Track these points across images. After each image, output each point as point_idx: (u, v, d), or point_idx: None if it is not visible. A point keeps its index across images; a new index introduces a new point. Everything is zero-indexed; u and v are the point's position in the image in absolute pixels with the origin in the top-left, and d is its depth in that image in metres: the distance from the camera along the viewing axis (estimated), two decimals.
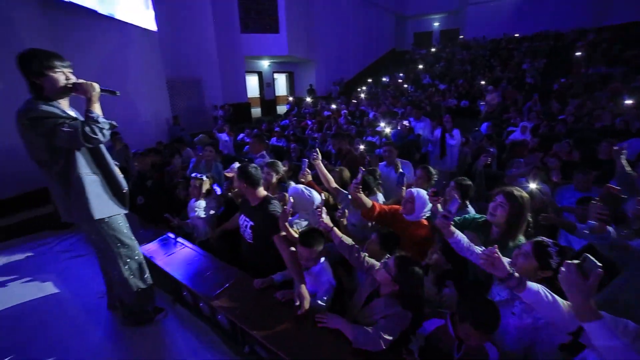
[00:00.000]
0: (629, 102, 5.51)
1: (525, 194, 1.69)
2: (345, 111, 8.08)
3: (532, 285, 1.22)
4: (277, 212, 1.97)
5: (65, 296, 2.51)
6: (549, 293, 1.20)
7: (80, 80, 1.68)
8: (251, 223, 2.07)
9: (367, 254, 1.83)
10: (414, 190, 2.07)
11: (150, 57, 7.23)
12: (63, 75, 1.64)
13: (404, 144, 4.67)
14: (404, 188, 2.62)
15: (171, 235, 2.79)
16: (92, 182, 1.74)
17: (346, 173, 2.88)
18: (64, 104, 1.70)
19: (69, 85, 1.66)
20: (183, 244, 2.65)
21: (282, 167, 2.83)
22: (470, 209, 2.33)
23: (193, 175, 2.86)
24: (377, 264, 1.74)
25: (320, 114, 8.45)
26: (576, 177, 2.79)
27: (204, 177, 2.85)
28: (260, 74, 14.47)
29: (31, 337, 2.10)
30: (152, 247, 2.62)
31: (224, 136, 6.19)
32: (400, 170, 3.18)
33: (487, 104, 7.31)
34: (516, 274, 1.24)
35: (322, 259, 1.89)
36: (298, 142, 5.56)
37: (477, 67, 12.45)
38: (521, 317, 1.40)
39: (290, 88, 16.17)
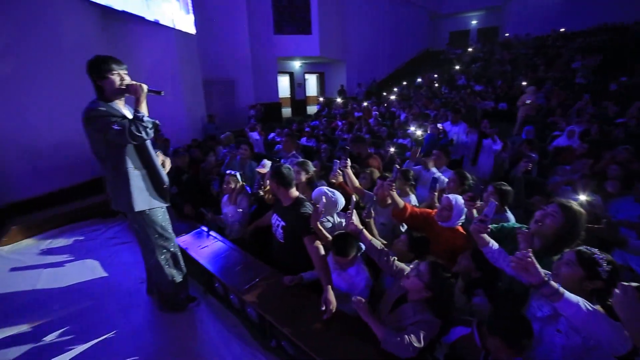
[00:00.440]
0: None
1: (583, 211, 1.54)
2: (376, 112, 7.99)
3: (571, 296, 1.13)
4: (309, 213, 1.98)
5: (111, 279, 2.75)
6: (591, 307, 1.10)
7: (132, 82, 1.83)
8: (283, 223, 2.10)
9: (396, 258, 1.81)
10: (452, 197, 2.01)
11: (188, 58, 7.65)
12: (119, 77, 1.80)
13: (437, 149, 4.51)
14: (436, 194, 2.55)
15: (205, 229, 2.93)
16: (136, 176, 1.89)
17: (376, 174, 2.86)
18: (119, 103, 1.88)
19: (122, 87, 1.81)
20: (216, 237, 2.77)
21: (312, 167, 2.87)
22: (510, 216, 2.21)
23: (227, 172, 2.98)
24: (407, 268, 1.71)
25: (351, 114, 8.41)
26: (638, 187, 2.53)
27: (237, 175, 2.96)
28: (291, 74, 14.72)
29: (84, 311, 2.33)
30: (187, 239, 2.78)
31: (255, 135, 6.37)
32: (437, 174, 3.10)
33: (522, 104, 6.71)
34: (552, 282, 1.15)
35: (358, 260, 1.90)
36: (328, 142, 5.58)
37: (518, 67, 11.68)
38: (568, 335, 1.28)
39: (321, 88, 16.28)
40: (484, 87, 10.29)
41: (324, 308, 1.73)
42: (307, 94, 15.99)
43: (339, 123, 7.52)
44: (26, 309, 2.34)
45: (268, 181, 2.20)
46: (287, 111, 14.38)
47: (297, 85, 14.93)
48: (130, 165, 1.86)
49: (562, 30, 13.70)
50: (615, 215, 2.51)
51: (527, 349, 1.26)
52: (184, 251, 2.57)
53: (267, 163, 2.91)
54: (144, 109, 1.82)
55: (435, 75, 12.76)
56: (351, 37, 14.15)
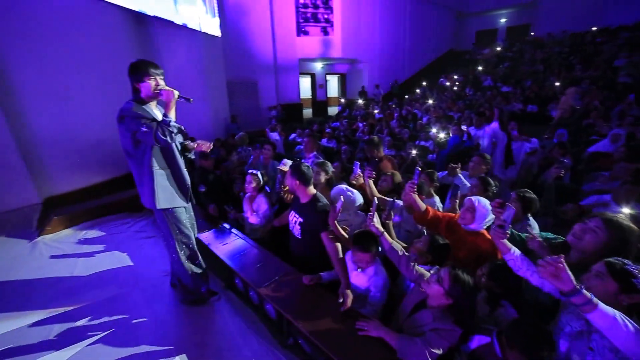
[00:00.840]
0: None
1: (633, 226, 1.37)
2: (397, 114, 7.88)
3: (606, 307, 1.04)
4: (326, 210, 2.02)
5: (137, 270, 2.90)
6: (632, 324, 1.02)
7: (165, 87, 1.92)
8: (300, 219, 2.14)
9: (416, 263, 1.78)
10: (475, 198, 1.94)
11: (213, 60, 7.90)
12: (155, 81, 1.90)
13: (460, 152, 4.39)
14: (457, 200, 2.48)
15: (227, 226, 3.01)
16: (160, 175, 1.99)
17: (398, 177, 2.82)
18: (152, 105, 1.98)
19: (156, 91, 1.91)
20: (238, 235, 2.84)
21: (331, 168, 2.88)
22: (533, 224, 2.11)
23: (250, 171, 3.04)
24: (427, 273, 1.68)
25: (372, 116, 8.34)
26: None
27: (259, 174, 3.02)
28: (313, 75, 14.82)
29: (113, 299, 2.50)
30: (209, 235, 2.86)
31: (275, 135, 6.46)
32: (461, 179, 3.01)
33: (563, 106, 6.22)
34: (585, 291, 1.06)
35: (377, 260, 1.91)
36: (349, 144, 5.57)
37: (551, 66, 11.06)
38: (603, 354, 1.15)
39: (342, 90, 16.26)
40: (512, 88, 9.85)
41: (341, 300, 1.76)
42: (329, 95, 16.03)
43: (360, 125, 7.49)
44: (66, 293, 2.56)
45: (288, 180, 2.23)
46: (308, 112, 14.48)
47: (318, 86, 15.01)
48: (155, 165, 1.96)
49: (604, 26, 12.69)
50: None
51: None
52: (206, 247, 2.66)
53: (288, 162, 2.94)
54: (172, 114, 1.90)
55: (460, 77, 12.39)
56: (373, 38, 14.03)
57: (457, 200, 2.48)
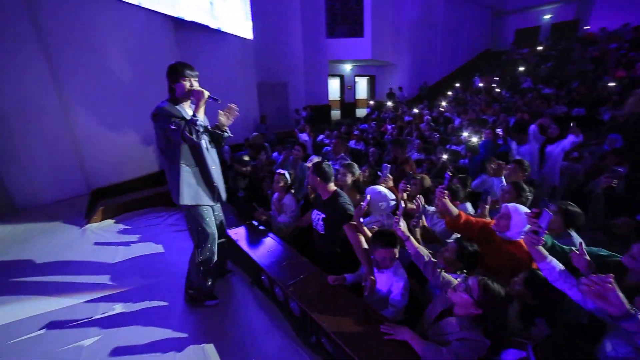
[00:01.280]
0: None
1: None
2: (428, 117, 7.64)
3: None
4: (347, 204, 2.08)
5: (170, 260, 3.07)
6: None
7: (197, 88, 2.00)
8: (323, 215, 2.19)
9: (443, 269, 1.72)
10: (512, 206, 1.83)
11: (245, 62, 8.16)
12: (189, 82, 2.00)
13: (496, 156, 4.15)
14: (487, 206, 2.36)
15: (255, 223, 3.09)
16: (187, 172, 2.07)
17: (427, 181, 2.74)
18: (186, 105, 2.07)
19: (188, 91, 2.00)
20: (265, 233, 2.91)
21: (357, 170, 2.86)
22: (575, 238, 1.94)
23: (278, 171, 3.11)
24: (454, 281, 1.62)
25: (401, 118, 8.17)
26: None
27: (286, 174, 3.08)
28: (341, 77, 14.82)
29: (150, 286, 2.67)
30: (238, 231, 2.95)
31: (304, 136, 6.52)
32: (503, 182, 2.87)
33: (630, 108, 5.51)
34: None
35: (397, 263, 1.89)
36: (377, 146, 5.49)
37: (604, 64, 10.06)
38: None
39: (371, 91, 16.10)
40: (554, 90, 9.14)
41: (364, 284, 1.80)
42: (357, 97, 15.95)
43: (389, 127, 7.36)
44: (109, 278, 2.79)
45: (310, 178, 2.28)
46: (336, 113, 14.50)
47: (347, 88, 14.98)
48: (183, 162, 2.04)
49: None
50: None
51: None
52: (234, 243, 2.75)
53: (316, 158, 2.98)
54: (200, 114, 1.96)
55: (496, 78, 11.73)
56: (404, 39, 13.75)
57: (487, 206, 2.36)
